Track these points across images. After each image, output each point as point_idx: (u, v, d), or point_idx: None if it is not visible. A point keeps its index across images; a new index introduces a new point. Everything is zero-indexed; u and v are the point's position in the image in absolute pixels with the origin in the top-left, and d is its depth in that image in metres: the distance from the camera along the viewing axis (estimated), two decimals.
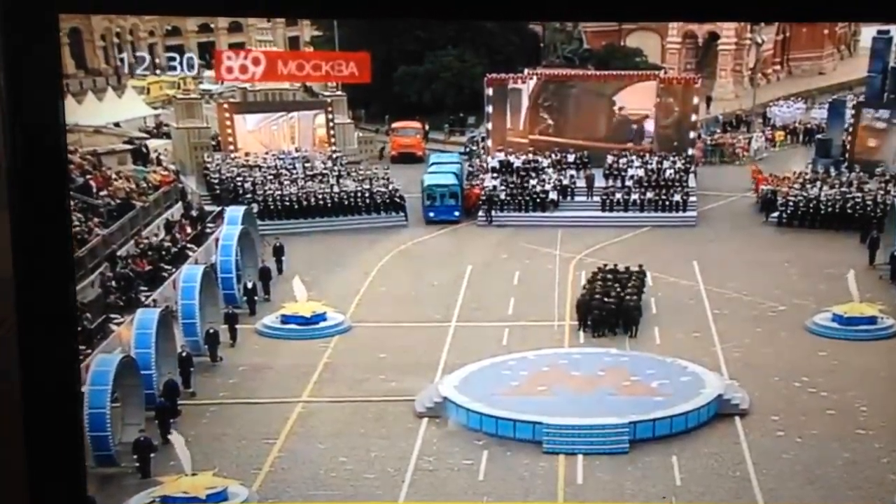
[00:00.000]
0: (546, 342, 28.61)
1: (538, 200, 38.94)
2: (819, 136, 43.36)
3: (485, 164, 41.24)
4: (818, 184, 38.56)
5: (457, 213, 38.16)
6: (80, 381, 4.21)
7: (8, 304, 4.21)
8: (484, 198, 38.69)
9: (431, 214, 38.15)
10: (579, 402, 24.87)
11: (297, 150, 41.37)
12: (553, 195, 39.09)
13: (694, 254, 34.78)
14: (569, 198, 39.50)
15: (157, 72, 46.61)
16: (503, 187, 39.14)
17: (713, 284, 32.13)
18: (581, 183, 39.82)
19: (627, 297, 29.59)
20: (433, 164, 41.03)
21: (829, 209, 37.41)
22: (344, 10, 4.66)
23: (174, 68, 40.10)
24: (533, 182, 39.44)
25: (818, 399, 25.36)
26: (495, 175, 40.07)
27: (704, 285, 32.18)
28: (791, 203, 37.90)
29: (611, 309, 29.32)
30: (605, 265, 31.80)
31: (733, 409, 24.89)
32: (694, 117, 41.80)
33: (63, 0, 4.03)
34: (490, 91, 41.69)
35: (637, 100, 41.34)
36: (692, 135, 41.80)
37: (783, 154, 44.70)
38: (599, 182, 39.77)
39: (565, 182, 39.64)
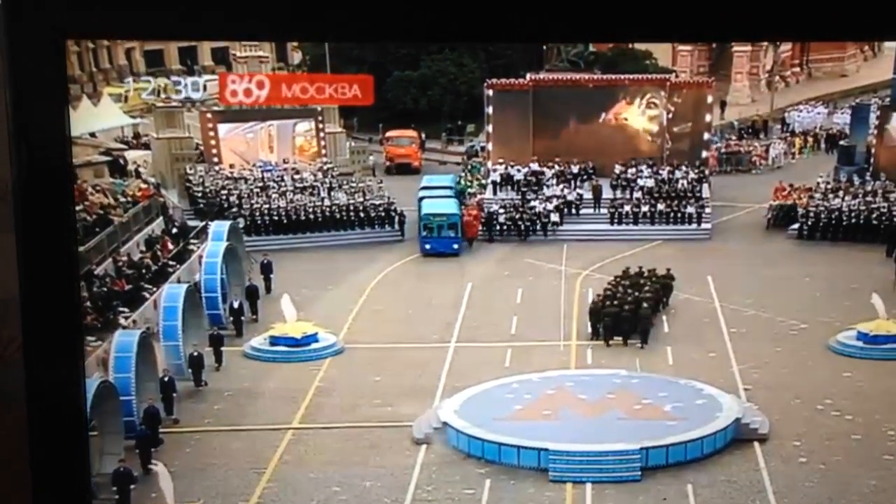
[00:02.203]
0: (551, 363, 28.76)
1: (539, 224, 38.58)
2: (842, 142, 43.58)
3: (484, 180, 41.17)
4: (840, 193, 38.73)
5: (456, 246, 37.10)
6: (86, 400, 4.44)
7: (15, 324, 4.46)
8: (483, 219, 38.44)
9: (428, 247, 37.11)
10: (587, 426, 25.01)
11: (284, 161, 41.41)
12: (555, 216, 38.74)
13: (709, 269, 34.91)
14: (573, 211, 39.48)
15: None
16: (502, 210, 38.80)
17: (729, 301, 32.30)
18: (588, 195, 39.87)
19: (643, 305, 29.94)
20: (424, 187, 39.80)
21: (853, 220, 37.55)
22: (341, 34, 4.95)
23: (179, 92, 40.77)
24: (534, 203, 39.08)
25: (843, 423, 25.50)
26: (494, 192, 39.98)
27: (720, 302, 32.36)
28: (812, 214, 38.05)
29: (623, 316, 29.65)
30: (628, 268, 32.56)
31: (752, 433, 25.02)
32: (708, 117, 41.75)
33: (70, 26, 4.29)
34: (490, 97, 41.74)
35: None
36: (706, 136, 41.83)
37: (803, 162, 44.92)
38: (607, 193, 39.86)
39: (570, 198, 39.52)
